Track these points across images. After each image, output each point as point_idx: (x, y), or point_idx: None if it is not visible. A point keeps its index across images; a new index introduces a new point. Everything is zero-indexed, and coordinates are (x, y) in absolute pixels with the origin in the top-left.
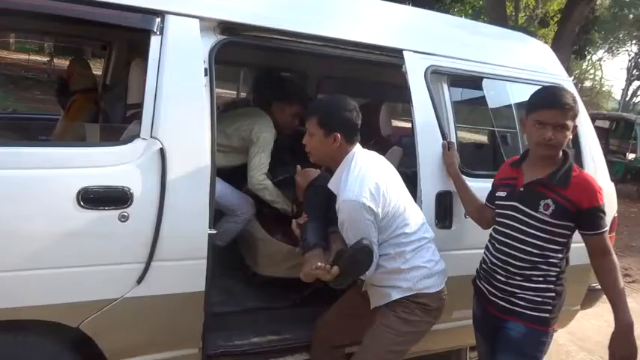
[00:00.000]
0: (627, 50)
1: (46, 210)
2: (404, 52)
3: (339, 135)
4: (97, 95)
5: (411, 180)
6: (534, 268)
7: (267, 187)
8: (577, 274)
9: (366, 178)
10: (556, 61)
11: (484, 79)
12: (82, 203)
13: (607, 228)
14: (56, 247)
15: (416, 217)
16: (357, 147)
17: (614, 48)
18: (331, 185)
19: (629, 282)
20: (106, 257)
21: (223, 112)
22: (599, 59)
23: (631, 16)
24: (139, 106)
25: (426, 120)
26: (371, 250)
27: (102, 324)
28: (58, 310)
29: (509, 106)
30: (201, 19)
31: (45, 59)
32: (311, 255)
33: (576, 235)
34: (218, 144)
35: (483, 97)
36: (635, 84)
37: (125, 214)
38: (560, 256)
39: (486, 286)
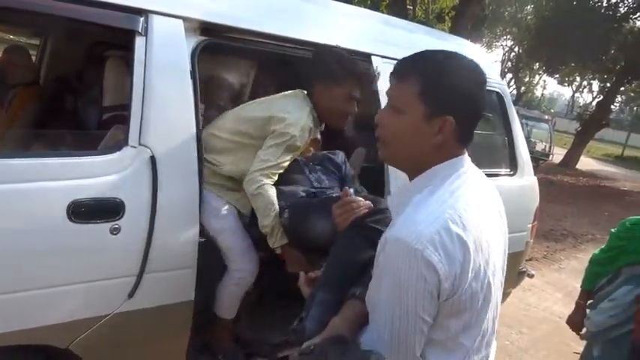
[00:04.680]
0: (502, 45)
1: (34, 226)
2: (371, 56)
3: (451, 121)
4: (41, 89)
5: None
6: None
7: (263, 194)
8: (508, 260)
9: (451, 213)
10: (493, 66)
11: None
12: (72, 218)
13: None
14: (46, 266)
15: (485, 323)
16: (467, 158)
17: (491, 43)
18: (393, 203)
19: (527, 259)
20: (97, 273)
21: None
22: None
23: (506, 13)
24: (117, 108)
25: None
26: None
27: (92, 342)
28: (47, 331)
29: None
30: (184, 19)
31: None
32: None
33: None
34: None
35: None
36: (508, 76)
37: (117, 226)
38: None
39: None
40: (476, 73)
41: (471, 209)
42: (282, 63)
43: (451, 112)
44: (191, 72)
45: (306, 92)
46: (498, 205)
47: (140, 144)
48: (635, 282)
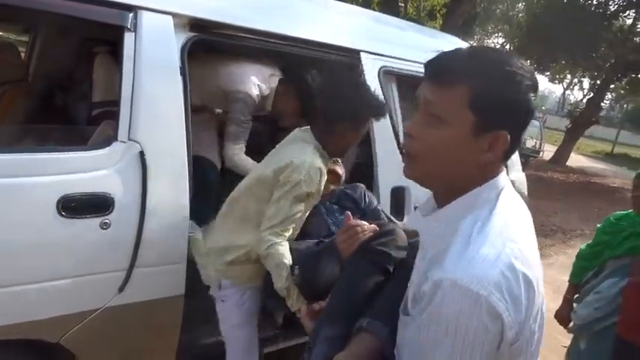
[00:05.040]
0: (493, 42)
1: (24, 221)
2: (361, 53)
3: (505, 137)
4: (29, 86)
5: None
6: None
7: (273, 254)
8: None
9: (512, 247)
10: None
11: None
12: (62, 212)
13: None
14: (36, 260)
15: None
16: (505, 174)
17: (482, 40)
18: (426, 232)
19: None
20: (87, 267)
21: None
22: None
23: (497, 10)
24: (107, 104)
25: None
26: None
27: (82, 337)
28: (38, 326)
29: None
30: (174, 15)
31: None
32: None
33: None
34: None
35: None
36: None
37: (106, 221)
38: None
39: None
40: (530, 76)
41: (526, 239)
42: (302, 72)
43: (506, 127)
44: (180, 68)
45: (309, 127)
46: (532, 224)
47: (129, 139)
48: (619, 275)
